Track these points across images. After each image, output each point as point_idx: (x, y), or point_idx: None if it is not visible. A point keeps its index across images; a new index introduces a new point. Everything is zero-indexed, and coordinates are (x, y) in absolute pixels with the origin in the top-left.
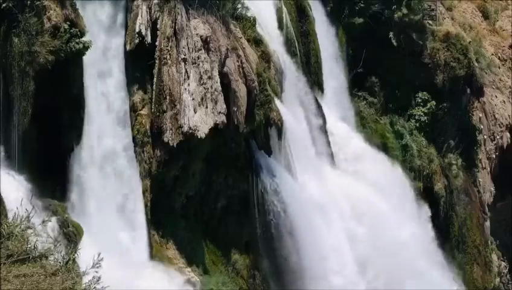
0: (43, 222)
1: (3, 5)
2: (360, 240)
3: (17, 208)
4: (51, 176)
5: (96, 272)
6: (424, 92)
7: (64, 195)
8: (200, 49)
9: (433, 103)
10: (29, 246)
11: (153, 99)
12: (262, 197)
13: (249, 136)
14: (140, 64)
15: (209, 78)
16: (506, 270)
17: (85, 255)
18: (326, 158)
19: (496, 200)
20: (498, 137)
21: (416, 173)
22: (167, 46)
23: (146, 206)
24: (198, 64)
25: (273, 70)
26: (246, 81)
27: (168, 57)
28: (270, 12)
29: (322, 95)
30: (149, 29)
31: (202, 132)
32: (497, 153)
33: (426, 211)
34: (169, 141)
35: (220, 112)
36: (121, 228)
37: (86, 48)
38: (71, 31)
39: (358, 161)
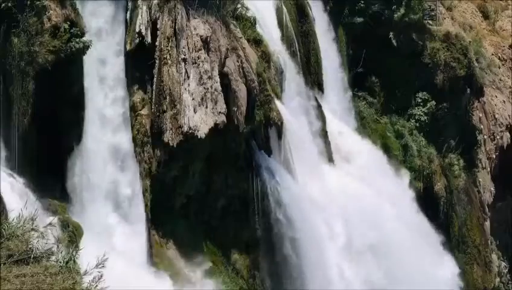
0: (50, 224)
1: (3, 5)
2: (361, 239)
3: (21, 210)
4: (51, 176)
5: (99, 272)
6: (424, 92)
7: (64, 195)
8: (200, 49)
9: (433, 103)
10: (30, 246)
11: (153, 99)
12: (262, 197)
13: (249, 136)
14: (141, 64)
15: (209, 78)
16: (506, 270)
17: (85, 255)
18: (326, 158)
19: (495, 200)
20: (498, 137)
21: (416, 173)
22: (167, 46)
23: (146, 206)
24: (198, 64)
25: (273, 70)
26: (246, 81)
27: (168, 57)
28: (270, 12)
29: (322, 95)
30: (149, 29)
31: (202, 132)
32: (497, 153)
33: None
34: (169, 141)
35: (220, 112)
36: (121, 228)
37: (86, 47)
38: (71, 31)
39: (358, 161)
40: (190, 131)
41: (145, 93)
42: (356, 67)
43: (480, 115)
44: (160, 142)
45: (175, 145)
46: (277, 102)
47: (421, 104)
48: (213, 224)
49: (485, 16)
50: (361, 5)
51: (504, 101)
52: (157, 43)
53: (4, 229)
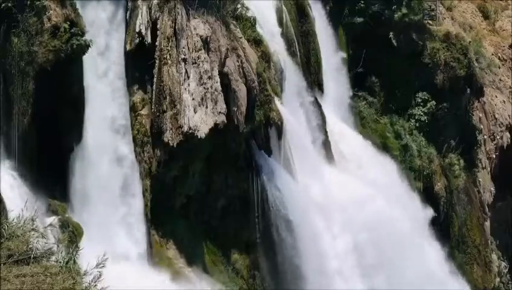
0: (50, 225)
1: (3, 5)
2: (361, 239)
3: (22, 210)
4: (51, 176)
5: (99, 272)
6: (424, 92)
7: (64, 195)
8: (200, 49)
9: (433, 103)
10: (30, 246)
11: (153, 99)
12: (262, 197)
13: (249, 136)
14: (140, 64)
15: (209, 78)
16: (506, 270)
17: (85, 255)
18: (326, 158)
19: (495, 200)
20: (498, 137)
21: (416, 173)
22: (167, 46)
23: (146, 206)
24: (198, 64)
25: (273, 70)
26: (246, 81)
27: (168, 57)
28: (270, 12)
29: (322, 95)
30: (149, 29)
31: (202, 132)
32: (497, 153)
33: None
34: (169, 141)
35: (220, 112)
36: (121, 228)
37: (86, 46)
38: (71, 30)
39: (358, 161)
40: (190, 131)
41: (145, 93)
42: (356, 67)
43: (480, 115)
44: (160, 142)
45: (175, 145)
46: (277, 102)
47: (421, 104)
48: (213, 224)
49: (485, 16)
50: (361, 5)
51: (504, 101)
52: (157, 43)
53: (4, 229)
